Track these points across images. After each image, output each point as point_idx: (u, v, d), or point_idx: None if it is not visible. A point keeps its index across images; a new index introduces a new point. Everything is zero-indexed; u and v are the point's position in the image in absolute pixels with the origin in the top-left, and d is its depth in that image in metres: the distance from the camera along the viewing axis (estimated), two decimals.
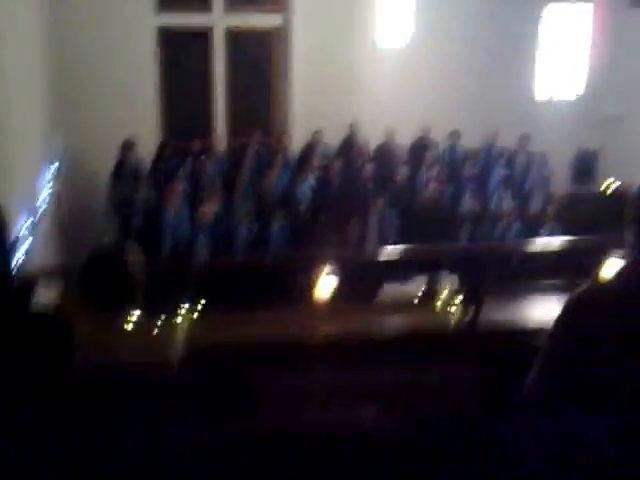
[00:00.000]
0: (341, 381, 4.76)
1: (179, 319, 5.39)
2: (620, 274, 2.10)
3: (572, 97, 6.45)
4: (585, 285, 2.15)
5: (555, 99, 6.98)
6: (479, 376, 3.48)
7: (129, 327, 3.17)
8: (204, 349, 4.94)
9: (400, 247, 8.84)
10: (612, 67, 11.00)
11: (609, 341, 1.97)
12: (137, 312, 4.68)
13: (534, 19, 6.83)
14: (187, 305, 5.32)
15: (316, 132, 10.83)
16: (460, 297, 5.52)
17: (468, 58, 10.96)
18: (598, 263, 5.28)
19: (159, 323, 4.90)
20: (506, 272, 9.09)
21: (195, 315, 5.35)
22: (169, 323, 5.01)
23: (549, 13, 5.80)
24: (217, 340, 5.22)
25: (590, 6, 5.91)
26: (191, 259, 8.56)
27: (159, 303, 5.23)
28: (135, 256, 2.99)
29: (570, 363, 2.03)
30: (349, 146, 10.98)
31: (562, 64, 6.05)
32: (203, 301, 5.37)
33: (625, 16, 11.27)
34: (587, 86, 7.16)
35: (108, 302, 2.93)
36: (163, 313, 5.15)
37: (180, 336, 5.19)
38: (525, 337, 2.51)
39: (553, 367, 2.08)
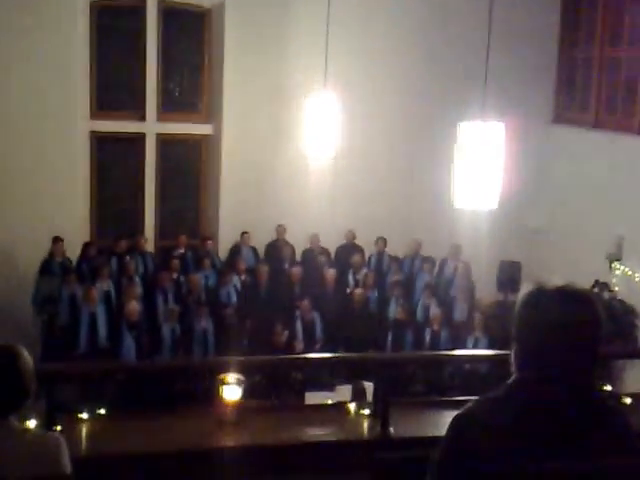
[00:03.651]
0: None
1: (78, 425, 5.16)
2: (501, 391, 2.19)
3: (488, 209, 6.60)
4: (472, 401, 2.22)
5: (473, 210, 7.14)
6: None
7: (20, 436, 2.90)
8: (100, 459, 4.75)
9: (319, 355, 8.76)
10: (535, 181, 11.42)
11: (488, 456, 2.05)
12: (32, 419, 4.49)
13: (450, 134, 7.04)
14: (87, 411, 5.11)
15: (243, 235, 10.94)
16: (368, 409, 5.44)
17: (390, 169, 11.37)
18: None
19: (56, 429, 4.67)
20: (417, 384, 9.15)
21: (94, 422, 5.14)
22: (66, 429, 4.78)
23: (462, 130, 6.01)
24: (118, 450, 5.01)
25: (501, 125, 6.12)
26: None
27: (60, 408, 5.04)
28: (27, 358, 2.88)
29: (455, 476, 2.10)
30: (276, 249, 11.09)
31: (476, 177, 6.24)
32: (103, 409, 5.17)
33: (547, 133, 11.78)
34: (510, 199, 7.39)
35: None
36: (61, 418, 4.92)
37: (78, 445, 4.96)
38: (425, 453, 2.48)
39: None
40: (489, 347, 9.70)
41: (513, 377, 2.18)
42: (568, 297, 2.12)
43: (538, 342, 2.12)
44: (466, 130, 6.13)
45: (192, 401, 7.90)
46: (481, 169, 6.15)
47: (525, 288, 2.23)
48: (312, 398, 8.29)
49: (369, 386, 7.58)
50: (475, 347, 9.90)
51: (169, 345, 9.35)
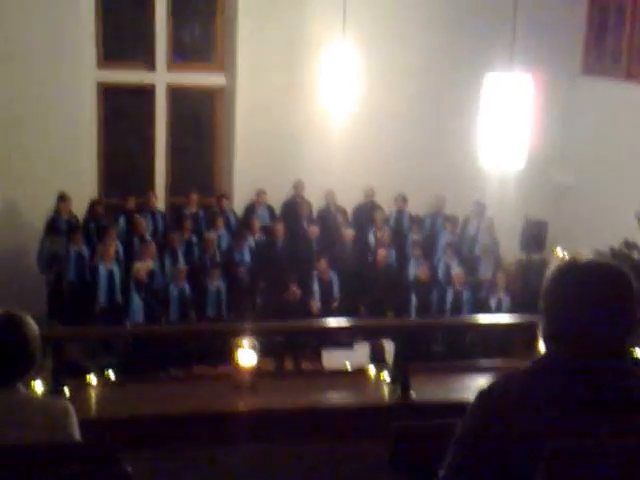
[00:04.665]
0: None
1: (87, 389, 5.06)
2: (536, 365, 2.11)
3: (517, 166, 6.29)
4: (501, 375, 2.17)
5: (500, 167, 6.82)
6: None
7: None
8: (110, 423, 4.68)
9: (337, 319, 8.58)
10: (563, 136, 11.06)
11: (526, 433, 1.98)
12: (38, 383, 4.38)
13: (477, 86, 6.69)
14: (95, 371, 5.00)
15: (259, 193, 10.67)
16: (387, 372, 5.27)
17: (412, 123, 10.96)
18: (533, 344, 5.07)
19: (64, 395, 4.56)
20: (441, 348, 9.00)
21: (103, 385, 5.03)
22: (75, 394, 4.67)
23: (488, 81, 5.66)
24: (128, 413, 4.93)
25: (529, 77, 5.77)
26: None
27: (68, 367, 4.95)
28: (31, 325, 2.81)
29: (482, 453, 2.03)
30: (293, 207, 10.83)
31: (504, 132, 5.90)
32: (111, 371, 5.05)
33: (576, 84, 11.36)
34: (537, 154, 7.10)
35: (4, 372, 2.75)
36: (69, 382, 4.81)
37: (87, 408, 4.87)
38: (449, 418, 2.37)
39: (466, 455, 2.07)
40: (512, 307, 9.56)
41: (546, 352, 2.14)
42: (600, 271, 2.11)
43: (570, 317, 2.09)
44: (493, 82, 5.77)
45: (205, 360, 7.85)
46: (508, 125, 5.80)
47: (551, 249, 2.08)
48: (330, 356, 8.17)
49: (388, 344, 7.41)
50: (498, 307, 9.78)
51: (177, 306, 9.23)
